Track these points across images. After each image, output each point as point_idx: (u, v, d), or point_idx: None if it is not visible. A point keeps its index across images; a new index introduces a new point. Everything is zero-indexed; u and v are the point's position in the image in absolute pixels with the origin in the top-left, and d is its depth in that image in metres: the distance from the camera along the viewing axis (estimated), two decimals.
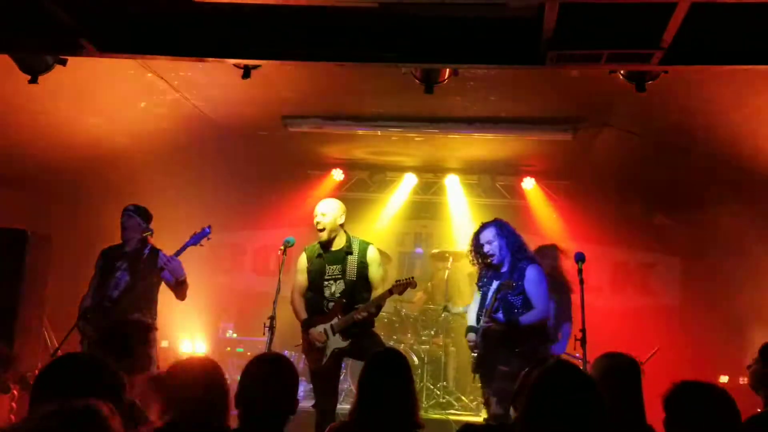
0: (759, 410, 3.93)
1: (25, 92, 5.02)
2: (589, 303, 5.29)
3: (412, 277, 5.65)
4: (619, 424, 2.93)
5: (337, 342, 5.48)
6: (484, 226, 5.64)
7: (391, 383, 3.32)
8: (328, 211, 5.64)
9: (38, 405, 2.40)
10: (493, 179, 9.57)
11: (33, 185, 7.47)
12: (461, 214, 9.24)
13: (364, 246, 5.69)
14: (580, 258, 5.47)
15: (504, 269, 5.51)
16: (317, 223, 5.63)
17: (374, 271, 5.63)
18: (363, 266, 5.60)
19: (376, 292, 5.57)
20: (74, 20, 4.20)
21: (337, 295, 5.55)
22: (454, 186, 9.63)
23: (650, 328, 7.87)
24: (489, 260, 5.52)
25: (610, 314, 6.76)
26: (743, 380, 7.27)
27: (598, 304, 6.15)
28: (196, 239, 5.86)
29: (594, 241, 8.43)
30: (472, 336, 5.48)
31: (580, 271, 5.44)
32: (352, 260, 5.60)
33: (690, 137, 6.66)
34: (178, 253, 5.75)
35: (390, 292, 5.50)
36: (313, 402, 5.60)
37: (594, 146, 7.74)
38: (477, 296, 5.66)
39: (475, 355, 5.43)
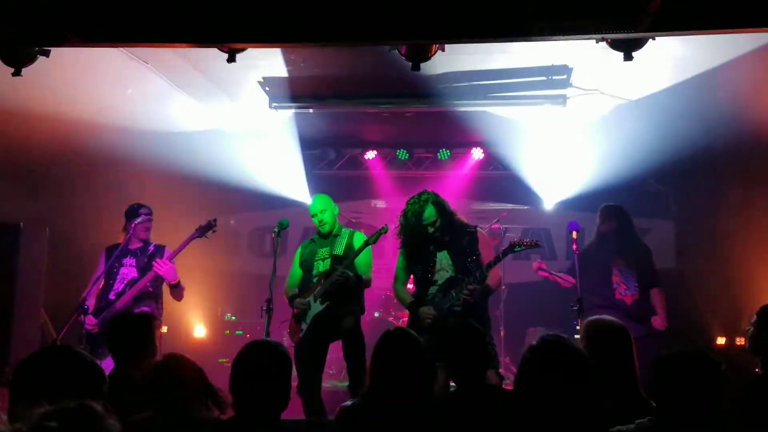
0: (757, 370, 3.97)
1: (11, 81, 4.97)
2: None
3: (385, 225, 5.63)
4: (611, 392, 2.93)
5: (316, 308, 5.53)
6: (423, 199, 5.27)
7: (403, 361, 3.25)
8: (325, 206, 5.71)
9: (19, 400, 2.42)
10: None
11: (25, 176, 7.43)
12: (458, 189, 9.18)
13: (353, 232, 5.81)
14: (574, 227, 5.49)
15: (447, 237, 5.26)
16: (320, 222, 5.70)
17: (360, 257, 5.59)
18: (350, 248, 5.64)
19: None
20: (57, 11, 4.16)
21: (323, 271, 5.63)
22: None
23: None
24: (434, 230, 5.23)
25: None
26: (740, 341, 7.35)
27: None
28: (201, 232, 5.92)
29: (588, 209, 8.43)
30: (430, 310, 5.12)
31: (574, 241, 5.47)
32: (340, 241, 5.71)
33: (682, 102, 6.64)
34: (183, 245, 5.85)
35: (366, 243, 5.52)
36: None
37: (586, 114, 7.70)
38: (411, 270, 5.40)
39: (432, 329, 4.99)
